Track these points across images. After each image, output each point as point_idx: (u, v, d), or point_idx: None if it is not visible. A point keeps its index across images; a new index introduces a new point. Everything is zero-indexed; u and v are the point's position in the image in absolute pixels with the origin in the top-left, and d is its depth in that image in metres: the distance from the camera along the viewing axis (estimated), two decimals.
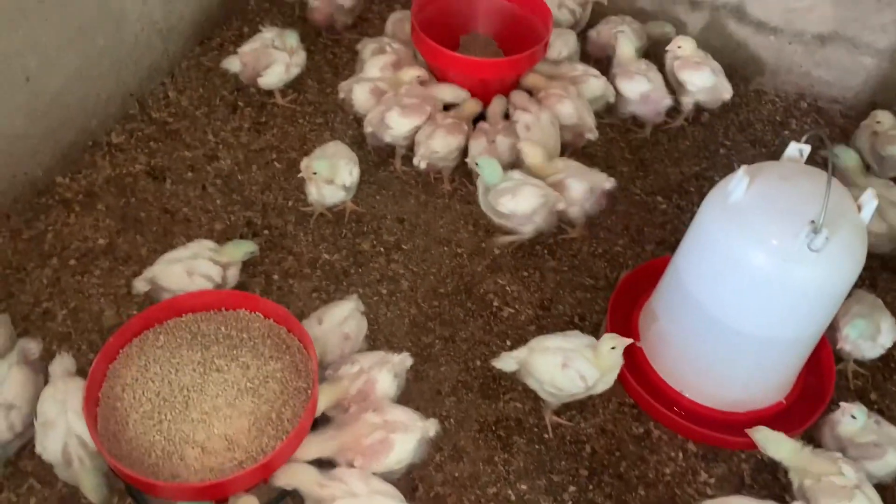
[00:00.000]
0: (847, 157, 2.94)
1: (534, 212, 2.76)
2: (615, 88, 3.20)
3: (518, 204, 2.74)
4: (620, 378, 2.42)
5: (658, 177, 3.23)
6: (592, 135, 3.06)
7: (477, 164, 2.78)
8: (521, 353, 2.39)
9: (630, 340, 2.30)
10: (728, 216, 2.18)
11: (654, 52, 3.42)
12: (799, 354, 2.42)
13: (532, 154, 2.86)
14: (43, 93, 2.87)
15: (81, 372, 2.33)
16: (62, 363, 2.32)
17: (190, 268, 2.53)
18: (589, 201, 2.84)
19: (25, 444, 2.28)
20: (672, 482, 2.43)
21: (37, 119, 2.89)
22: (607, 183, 2.82)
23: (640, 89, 3.15)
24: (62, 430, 2.11)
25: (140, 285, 2.53)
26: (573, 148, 3.17)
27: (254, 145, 3.26)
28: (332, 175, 2.81)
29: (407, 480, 2.29)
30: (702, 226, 2.30)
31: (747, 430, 2.28)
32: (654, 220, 3.11)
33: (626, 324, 2.64)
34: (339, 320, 2.45)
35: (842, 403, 2.34)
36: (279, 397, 2.11)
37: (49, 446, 2.11)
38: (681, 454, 2.48)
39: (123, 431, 2.02)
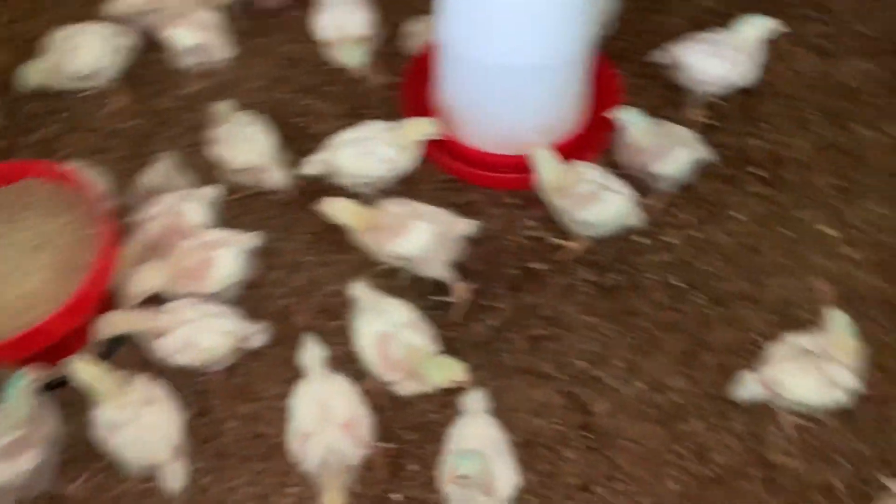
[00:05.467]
0: None
1: None
2: None
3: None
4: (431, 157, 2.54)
5: None
6: None
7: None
8: (324, 154, 2.41)
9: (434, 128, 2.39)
10: None
11: None
12: (562, 82, 2.47)
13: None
14: None
15: None
16: None
17: None
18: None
19: None
20: (500, 235, 2.53)
21: None
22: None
23: None
24: None
25: None
26: None
27: None
28: None
29: (249, 302, 2.31)
30: None
31: (531, 150, 2.36)
32: None
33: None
34: None
35: (613, 113, 2.42)
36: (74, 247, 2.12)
37: None
38: (500, 209, 2.59)
39: None
